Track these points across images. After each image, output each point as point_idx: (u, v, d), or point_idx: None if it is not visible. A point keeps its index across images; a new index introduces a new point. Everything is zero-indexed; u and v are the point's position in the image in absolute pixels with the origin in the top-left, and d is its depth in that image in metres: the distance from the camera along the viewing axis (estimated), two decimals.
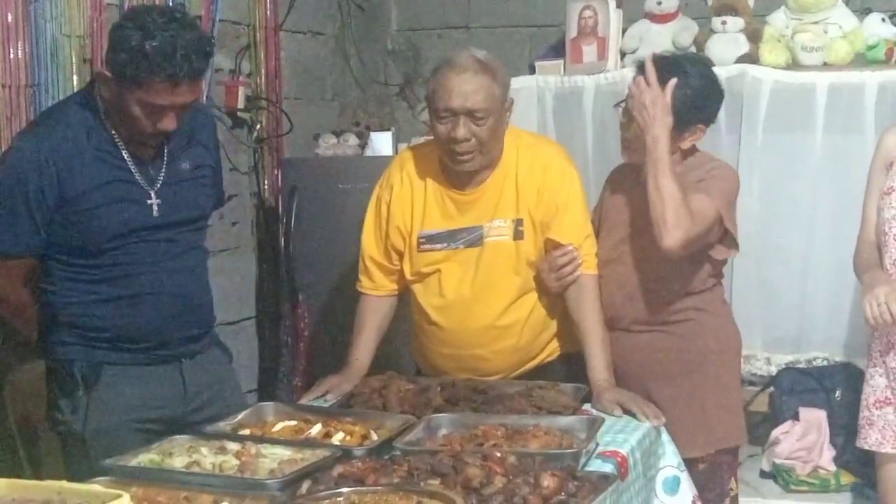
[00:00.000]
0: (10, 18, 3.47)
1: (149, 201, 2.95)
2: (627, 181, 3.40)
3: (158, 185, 2.97)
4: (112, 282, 2.94)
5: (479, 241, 3.28)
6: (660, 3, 4.63)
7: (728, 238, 3.30)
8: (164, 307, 2.98)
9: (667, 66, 3.27)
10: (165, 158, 2.99)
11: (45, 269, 2.97)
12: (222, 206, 3.50)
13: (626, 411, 3.06)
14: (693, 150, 3.35)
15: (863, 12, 4.48)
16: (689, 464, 3.18)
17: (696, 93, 3.25)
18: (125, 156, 2.93)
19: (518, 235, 3.27)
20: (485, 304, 3.28)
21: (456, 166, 3.23)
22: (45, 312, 3.01)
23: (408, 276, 3.37)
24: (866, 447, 3.47)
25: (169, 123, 2.85)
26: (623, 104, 3.33)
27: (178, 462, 2.58)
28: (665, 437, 3.10)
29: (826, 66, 4.35)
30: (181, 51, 2.75)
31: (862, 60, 4.35)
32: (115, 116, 2.89)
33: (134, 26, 2.76)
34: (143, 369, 3.00)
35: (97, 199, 2.88)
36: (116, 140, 2.91)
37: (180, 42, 2.75)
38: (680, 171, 3.24)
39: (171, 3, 4.05)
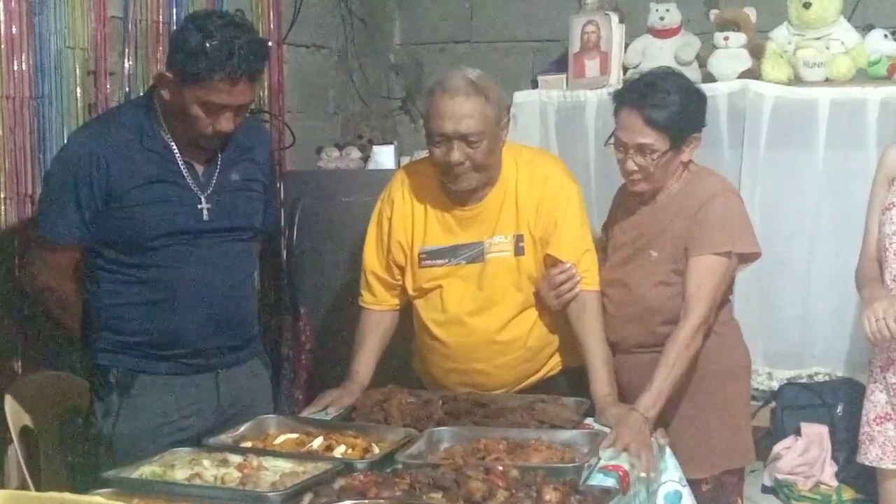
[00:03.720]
0: (14, 30, 3.48)
1: (199, 206, 2.99)
2: (632, 201, 3.38)
3: (209, 191, 3.02)
4: (153, 284, 2.97)
5: (480, 257, 3.28)
6: (662, 19, 4.64)
7: (749, 255, 3.30)
8: (202, 315, 3.00)
9: (641, 88, 3.24)
10: (219, 166, 3.04)
11: (89, 268, 3.02)
12: (279, 231, 3.46)
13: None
14: (689, 161, 3.32)
15: (865, 28, 4.49)
16: (694, 484, 3.16)
17: (680, 107, 3.21)
18: (178, 159, 2.98)
19: (519, 251, 3.27)
20: (486, 320, 3.28)
21: (453, 186, 3.23)
22: (86, 314, 3.05)
23: (409, 291, 3.37)
24: (867, 463, 3.48)
25: (226, 124, 2.91)
26: (612, 141, 3.28)
27: (180, 474, 2.58)
28: (667, 451, 3.09)
29: (828, 81, 4.36)
30: (239, 51, 2.83)
31: (864, 76, 4.36)
32: (174, 119, 2.95)
33: (195, 28, 2.86)
34: (178, 379, 3.02)
35: (145, 197, 2.93)
36: (171, 144, 2.97)
37: (238, 43, 2.84)
38: (677, 190, 3.25)
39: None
